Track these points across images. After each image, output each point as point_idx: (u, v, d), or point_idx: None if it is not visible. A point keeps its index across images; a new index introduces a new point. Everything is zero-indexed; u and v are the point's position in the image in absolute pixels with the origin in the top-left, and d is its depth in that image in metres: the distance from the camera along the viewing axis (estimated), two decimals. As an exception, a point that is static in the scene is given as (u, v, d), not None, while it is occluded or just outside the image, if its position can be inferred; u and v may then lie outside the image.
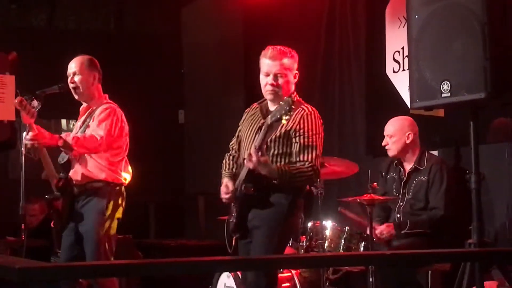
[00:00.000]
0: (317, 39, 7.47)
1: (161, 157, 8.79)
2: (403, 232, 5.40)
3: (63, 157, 5.01)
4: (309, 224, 5.61)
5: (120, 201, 5.05)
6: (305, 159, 4.35)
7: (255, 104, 4.67)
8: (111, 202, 4.99)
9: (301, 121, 4.39)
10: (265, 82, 4.48)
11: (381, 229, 5.46)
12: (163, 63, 8.99)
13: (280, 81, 4.45)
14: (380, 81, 6.71)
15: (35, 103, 4.88)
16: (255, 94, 7.58)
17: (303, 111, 4.43)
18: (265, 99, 4.61)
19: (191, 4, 9.21)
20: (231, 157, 4.69)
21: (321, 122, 4.48)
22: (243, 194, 4.34)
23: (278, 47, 4.52)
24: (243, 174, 4.37)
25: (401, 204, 5.57)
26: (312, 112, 4.45)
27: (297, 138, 4.37)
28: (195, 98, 9.11)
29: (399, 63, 6.51)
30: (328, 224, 5.54)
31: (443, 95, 4.02)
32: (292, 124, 4.37)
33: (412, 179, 5.57)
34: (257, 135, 4.38)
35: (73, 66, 5.10)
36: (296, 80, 4.54)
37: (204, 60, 8.94)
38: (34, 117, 4.86)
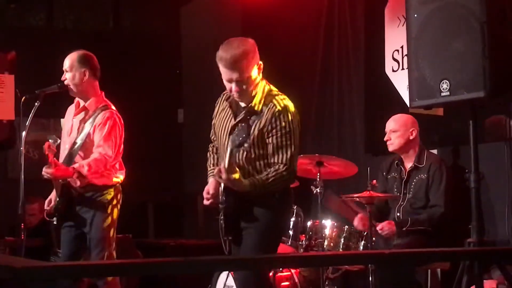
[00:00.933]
0: (316, 38, 7.47)
1: (160, 157, 8.79)
2: (404, 229, 5.40)
3: (63, 163, 5.03)
4: (309, 223, 5.61)
5: (117, 201, 5.08)
6: (279, 161, 4.15)
7: (225, 96, 4.42)
8: (111, 203, 5.02)
9: (272, 120, 4.15)
10: (229, 87, 4.22)
11: (382, 225, 5.45)
12: (162, 62, 8.98)
13: (244, 86, 4.16)
14: (379, 80, 6.71)
15: (57, 140, 4.93)
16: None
17: (274, 107, 4.18)
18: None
19: (190, 3, 9.21)
20: (214, 149, 4.54)
21: (295, 116, 4.22)
22: (225, 208, 4.22)
23: (232, 50, 4.15)
24: (221, 185, 4.21)
25: (401, 203, 5.57)
26: (284, 107, 4.18)
27: (270, 139, 4.16)
28: (194, 97, 9.11)
29: (398, 62, 6.51)
30: (328, 223, 5.54)
31: (442, 94, 4.02)
32: (264, 122, 4.17)
33: (412, 178, 5.58)
34: (228, 137, 4.19)
35: (65, 63, 5.09)
36: (260, 71, 4.24)
37: (203, 59, 8.93)
38: (54, 152, 4.91)
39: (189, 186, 9.15)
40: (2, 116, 7.26)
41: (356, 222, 5.57)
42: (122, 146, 5.12)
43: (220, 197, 4.27)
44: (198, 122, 8.99)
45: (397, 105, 6.24)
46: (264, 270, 4.36)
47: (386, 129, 5.69)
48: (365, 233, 5.42)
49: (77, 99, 5.17)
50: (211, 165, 4.51)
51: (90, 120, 5.05)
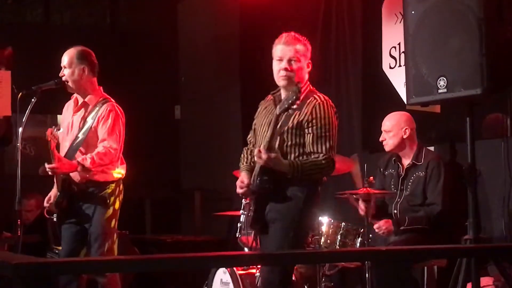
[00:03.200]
0: (313, 35, 7.45)
1: (157, 153, 8.78)
2: (401, 228, 5.40)
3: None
4: (305, 220, 5.60)
5: (118, 197, 5.08)
6: (319, 150, 4.29)
7: (270, 96, 4.59)
8: (111, 199, 5.02)
9: (314, 111, 4.32)
10: (278, 68, 4.40)
11: (380, 224, 5.46)
12: (159, 58, 8.97)
13: (294, 66, 4.38)
14: (376, 77, 6.70)
15: (59, 128, 4.94)
16: (251, 90, 7.61)
17: (315, 100, 4.36)
18: (279, 90, 4.53)
19: (187, 0, 9.20)
20: (248, 151, 4.62)
21: (334, 111, 4.40)
22: (259, 189, 4.29)
23: (292, 33, 4.48)
24: (257, 168, 4.32)
25: (398, 200, 5.57)
26: (325, 101, 4.38)
27: (310, 129, 4.30)
28: (191, 94, 9.11)
29: (395, 59, 6.51)
30: (324, 220, 5.54)
31: (440, 91, 4.02)
32: (304, 114, 4.31)
33: (410, 175, 5.58)
34: (269, 128, 4.31)
35: (64, 59, 5.09)
36: (309, 69, 4.48)
37: (200, 55, 8.94)
38: (57, 141, 4.91)
39: (186, 183, 9.15)
40: (-1, 112, 7.25)
41: (361, 207, 5.54)
42: (123, 141, 5.12)
43: (253, 181, 4.33)
44: (195, 119, 9.00)
45: (394, 102, 6.23)
46: (288, 268, 4.41)
47: (382, 128, 5.70)
48: (361, 230, 5.42)
49: (75, 95, 5.16)
50: (244, 162, 4.58)
51: (92, 114, 5.05)
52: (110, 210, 5.01)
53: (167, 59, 9.13)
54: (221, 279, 5.70)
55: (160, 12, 9.32)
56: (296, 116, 4.29)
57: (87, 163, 4.87)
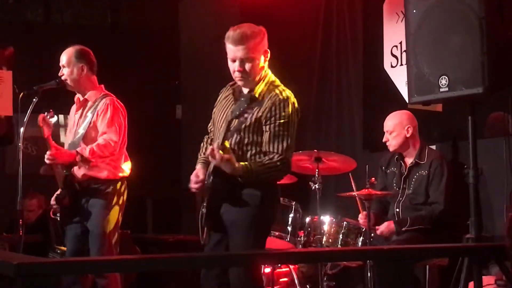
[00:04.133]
0: (314, 34, 7.46)
1: (158, 152, 8.77)
2: (403, 229, 5.40)
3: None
4: (307, 219, 5.61)
5: (123, 195, 5.08)
6: (274, 150, 4.07)
7: (230, 84, 4.40)
8: (114, 198, 5.01)
9: (273, 108, 4.09)
10: (233, 69, 4.19)
11: (382, 230, 5.46)
12: (160, 57, 8.97)
13: (247, 66, 4.14)
14: (378, 76, 6.70)
15: (52, 115, 4.91)
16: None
17: (276, 96, 4.12)
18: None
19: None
20: (208, 140, 4.47)
21: (296, 109, 4.17)
22: (213, 184, 4.17)
23: (242, 28, 4.14)
24: (211, 166, 4.18)
25: (400, 198, 5.57)
26: (286, 97, 4.13)
27: (267, 127, 4.08)
28: (192, 93, 9.10)
29: (397, 57, 6.51)
30: (326, 219, 5.54)
31: (441, 89, 4.02)
32: (263, 110, 4.11)
33: (412, 174, 5.58)
34: (226, 123, 4.17)
35: (62, 58, 5.09)
36: (267, 58, 4.23)
37: (201, 55, 8.93)
38: (51, 129, 4.90)
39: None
40: (0, 112, 7.25)
41: (361, 219, 5.55)
42: (125, 136, 5.11)
43: (207, 179, 4.21)
44: (197, 118, 8.97)
45: (395, 101, 6.23)
46: (257, 267, 4.32)
47: (384, 129, 5.69)
48: (363, 229, 5.42)
49: (77, 96, 5.17)
50: (202, 153, 4.43)
51: (92, 109, 5.06)
52: (113, 209, 5.00)
53: (168, 59, 9.12)
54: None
55: (161, 12, 9.32)
56: (255, 113, 4.10)
57: (86, 153, 4.87)
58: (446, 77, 3.99)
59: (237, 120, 4.05)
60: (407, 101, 4.58)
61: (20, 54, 7.37)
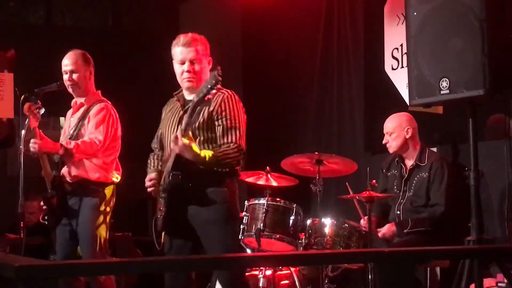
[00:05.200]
0: (315, 37, 7.47)
1: (159, 155, 8.77)
2: (405, 231, 5.41)
3: (57, 155, 5.01)
4: (308, 222, 5.61)
5: (111, 200, 5.08)
6: (229, 140, 4.28)
7: (172, 99, 4.60)
8: (104, 201, 5.01)
9: (222, 104, 4.32)
10: (181, 70, 4.41)
11: (383, 232, 5.46)
12: (161, 60, 8.97)
13: (197, 67, 4.39)
14: (378, 78, 6.70)
15: (40, 107, 4.91)
16: (252, 91, 7.61)
17: (223, 94, 4.35)
18: (181, 90, 4.53)
19: (189, 1, 9.21)
20: (155, 156, 4.58)
21: (241, 105, 4.41)
22: (172, 184, 4.23)
23: (190, 34, 4.46)
24: (169, 164, 4.26)
25: (401, 201, 5.58)
26: (232, 95, 4.39)
27: (220, 121, 4.29)
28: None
29: (397, 60, 6.51)
30: (327, 222, 5.53)
31: (442, 92, 4.02)
32: (213, 107, 4.30)
33: (413, 176, 5.58)
34: (179, 126, 4.30)
35: (69, 63, 5.09)
36: (210, 66, 4.47)
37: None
38: (38, 120, 4.91)
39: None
40: (2, 115, 7.27)
41: (364, 224, 5.56)
42: (119, 144, 5.12)
43: (165, 178, 4.28)
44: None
45: (396, 103, 6.23)
46: (242, 275, 4.46)
47: (384, 131, 5.70)
48: (364, 232, 5.42)
49: (74, 100, 5.19)
50: (152, 167, 4.53)
51: (85, 112, 5.08)
52: (104, 211, 5.00)
53: (169, 61, 9.11)
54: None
55: (162, 14, 9.33)
56: (206, 111, 4.28)
57: (71, 146, 4.88)
58: (447, 79, 3.99)
59: (192, 111, 4.17)
60: (408, 104, 4.59)
61: (21, 57, 7.39)
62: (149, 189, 4.41)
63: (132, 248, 7.05)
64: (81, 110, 5.13)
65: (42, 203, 5.06)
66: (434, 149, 5.94)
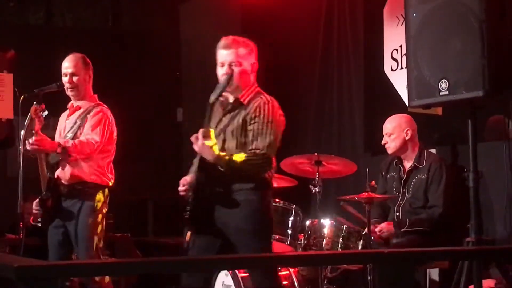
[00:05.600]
0: (315, 37, 7.47)
1: (159, 155, 8.78)
2: (402, 230, 5.41)
3: (53, 157, 5.02)
4: (307, 222, 5.61)
5: (106, 202, 5.08)
6: (257, 146, 4.19)
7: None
8: (99, 203, 5.02)
9: (257, 109, 4.24)
10: (220, 74, 4.36)
11: (381, 227, 5.47)
12: (161, 60, 8.98)
13: (235, 70, 4.30)
14: (378, 79, 6.70)
15: (44, 109, 4.93)
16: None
17: (260, 100, 4.28)
18: None
19: (189, 2, 9.20)
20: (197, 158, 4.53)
21: (279, 112, 4.31)
22: (196, 185, 4.22)
23: (232, 37, 4.38)
24: (195, 164, 4.26)
25: (400, 202, 5.58)
26: (270, 101, 4.29)
27: (251, 126, 4.22)
28: (193, 96, 9.11)
29: (397, 61, 6.51)
30: (326, 223, 5.53)
31: (441, 93, 4.03)
32: (248, 112, 4.25)
33: (411, 178, 5.58)
34: (216, 129, 4.30)
35: (69, 65, 5.10)
36: (254, 71, 4.37)
37: (202, 57, 8.93)
38: (42, 123, 4.92)
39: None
40: (1, 115, 7.27)
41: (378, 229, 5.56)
42: (114, 147, 5.13)
43: (193, 179, 4.26)
44: (197, 121, 8.96)
45: (396, 104, 6.23)
46: (275, 272, 4.39)
47: (383, 132, 5.70)
48: (363, 232, 5.42)
49: (71, 102, 5.20)
50: (192, 167, 4.48)
51: (82, 116, 5.09)
52: (99, 213, 5.00)
53: (169, 61, 9.13)
54: (223, 282, 5.69)
55: (162, 15, 9.32)
56: (242, 115, 4.25)
57: (69, 144, 4.89)
58: (446, 81, 4.00)
59: (211, 112, 4.20)
60: (407, 105, 4.59)
61: (21, 57, 7.38)
62: (180, 193, 4.37)
63: (132, 248, 7.05)
64: (77, 113, 5.14)
65: (34, 205, 5.05)
66: (433, 151, 5.94)
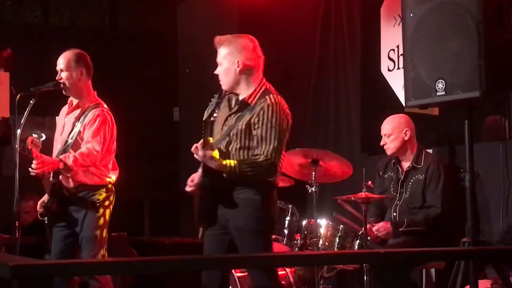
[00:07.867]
0: (312, 37, 7.47)
1: (155, 155, 8.77)
2: (400, 230, 5.41)
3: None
4: (304, 222, 5.61)
5: (110, 202, 5.08)
6: (261, 152, 4.17)
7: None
8: (102, 204, 5.02)
9: (261, 113, 4.20)
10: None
11: (378, 226, 5.47)
12: (158, 60, 8.97)
13: (218, 70, 4.38)
14: (375, 80, 6.71)
15: (42, 135, 4.94)
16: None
17: (264, 102, 4.23)
18: None
19: (186, 1, 9.20)
20: None
21: (285, 114, 4.26)
22: (202, 185, 4.26)
23: (218, 36, 4.42)
24: (201, 165, 4.27)
25: (398, 202, 5.57)
26: (275, 103, 4.23)
27: (255, 131, 4.20)
28: (190, 96, 9.10)
29: (394, 61, 6.51)
30: (323, 222, 5.53)
31: (438, 93, 4.02)
32: (252, 115, 4.22)
33: (409, 178, 5.58)
34: (222, 128, 4.31)
35: (60, 62, 5.09)
36: (239, 68, 4.32)
37: (199, 57, 8.93)
38: (40, 148, 4.92)
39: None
40: (-3, 114, 7.24)
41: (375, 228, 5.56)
42: (114, 145, 5.12)
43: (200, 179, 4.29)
44: (194, 121, 8.96)
45: (392, 105, 6.24)
46: (274, 271, 4.40)
47: (381, 133, 5.69)
48: (360, 232, 5.42)
49: (71, 98, 5.18)
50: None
51: (81, 118, 5.07)
52: (101, 215, 5.00)
53: (166, 61, 9.12)
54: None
55: (159, 14, 9.32)
56: (246, 117, 4.23)
57: (70, 161, 4.89)
58: (443, 81, 3.99)
59: (205, 127, 4.18)
60: (404, 105, 4.59)
61: (18, 56, 7.37)
62: (187, 189, 4.41)
63: (128, 248, 7.04)
64: (76, 112, 5.12)
65: (39, 206, 5.05)
66: (430, 151, 5.94)
